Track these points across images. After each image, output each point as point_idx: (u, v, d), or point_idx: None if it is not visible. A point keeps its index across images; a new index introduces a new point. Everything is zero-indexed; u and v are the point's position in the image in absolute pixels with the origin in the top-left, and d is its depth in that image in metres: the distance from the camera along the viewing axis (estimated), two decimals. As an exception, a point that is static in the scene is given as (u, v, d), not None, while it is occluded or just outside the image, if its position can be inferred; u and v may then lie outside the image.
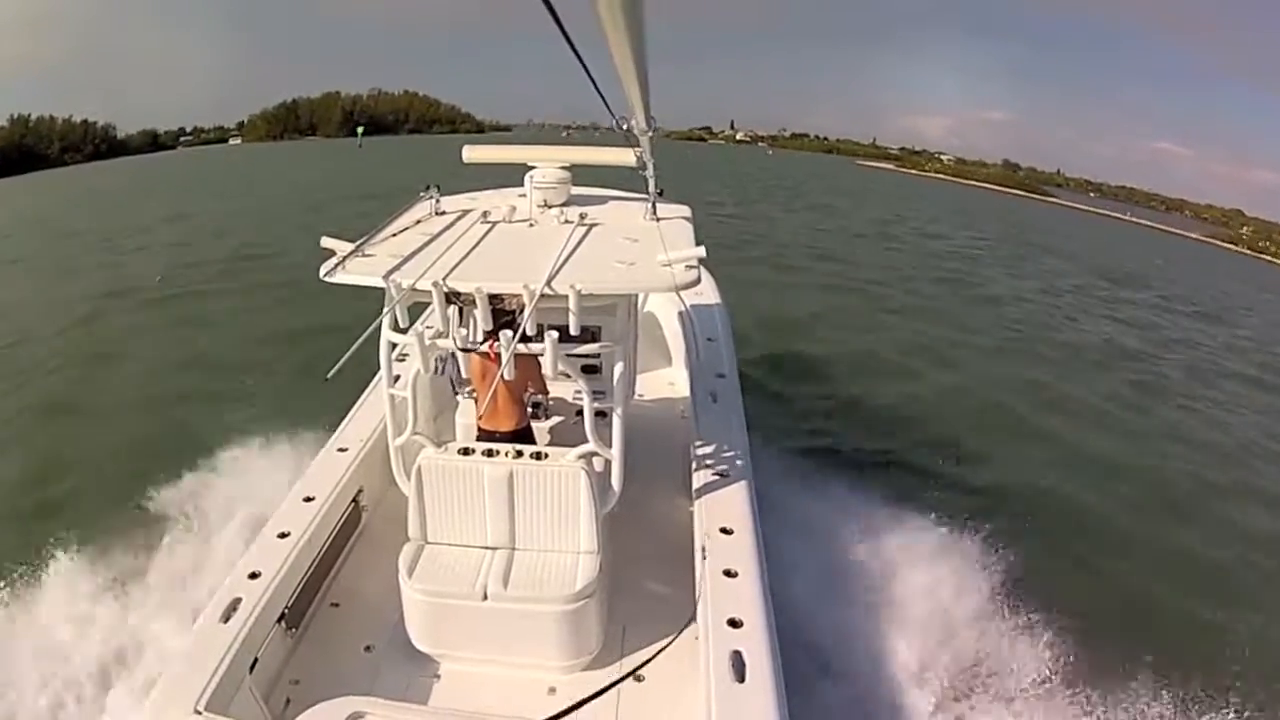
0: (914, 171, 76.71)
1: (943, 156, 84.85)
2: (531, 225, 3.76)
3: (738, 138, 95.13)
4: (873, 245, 22.42)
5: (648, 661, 3.13)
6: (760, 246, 18.99)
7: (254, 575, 3.15)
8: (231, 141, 68.48)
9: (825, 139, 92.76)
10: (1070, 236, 34.81)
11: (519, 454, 3.24)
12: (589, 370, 3.59)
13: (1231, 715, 4.19)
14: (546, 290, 2.92)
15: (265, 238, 17.21)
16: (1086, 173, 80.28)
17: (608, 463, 3.38)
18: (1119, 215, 60.70)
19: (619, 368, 3.26)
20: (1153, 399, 10.87)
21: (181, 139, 68.37)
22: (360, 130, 62.58)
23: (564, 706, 2.74)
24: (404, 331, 3.15)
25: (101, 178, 37.99)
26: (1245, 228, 61.81)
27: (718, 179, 37.72)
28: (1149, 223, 58.77)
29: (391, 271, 3.07)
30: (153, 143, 64.22)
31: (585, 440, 3.31)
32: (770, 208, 29.32)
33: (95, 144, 58.07)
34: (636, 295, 4.47)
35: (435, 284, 2.95)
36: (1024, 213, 46.59)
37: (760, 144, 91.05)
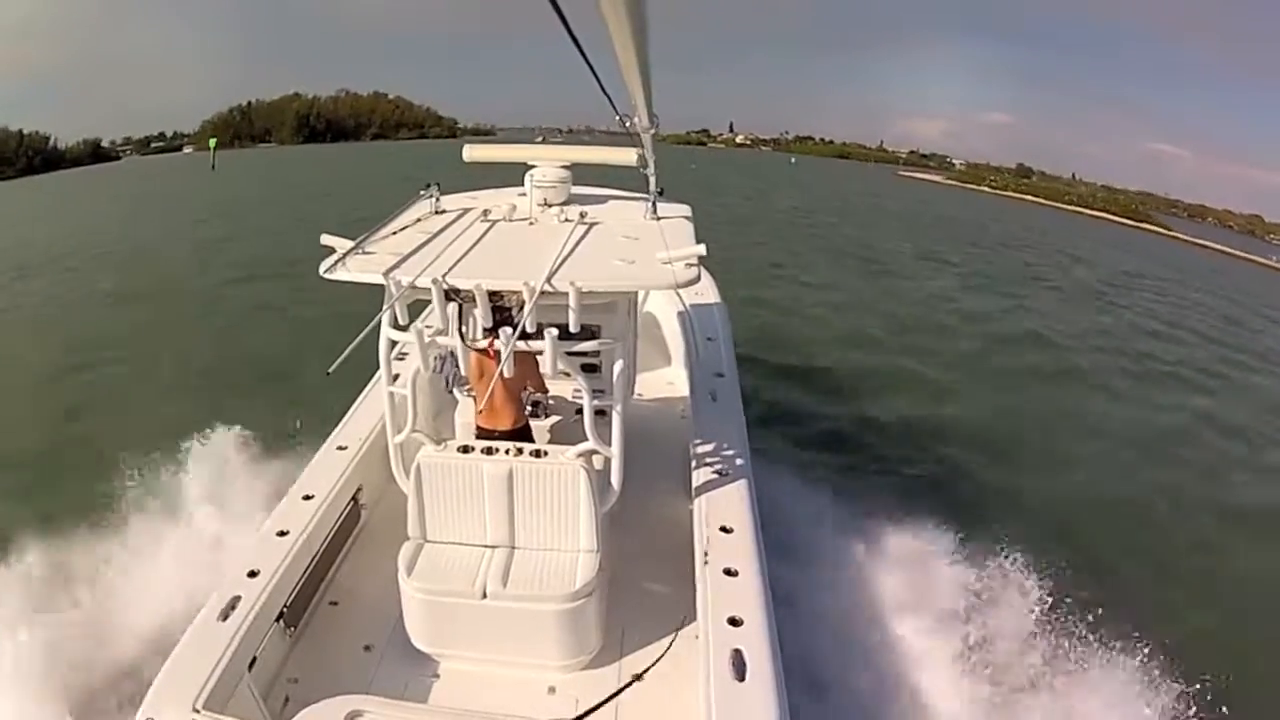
0: (988, 190, 64.40)
1: (955, 162, 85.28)
2: (531, 224, 4.13)
3: (737, 140, 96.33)
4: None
5: (647, 660, 3.42)
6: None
7: (253, 574, 3.44)
8: (185, 150, 67.52)
9: (832, 142, 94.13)
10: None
11: (518, 451, 3.56)
12: (589, 369, 3.94)
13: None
14: (546, 287, 3.24)
15: None
16: (1092, 175, 79.66)
17: (607, 461, 3.71)
18: (1257, 258, 44.40)
19: (618, 365, 3.60)
20: None
21: (153, 144, 68.29)
22: (213, 144, 47.94)
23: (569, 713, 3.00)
24: (404, 329, 3.49)
25: None
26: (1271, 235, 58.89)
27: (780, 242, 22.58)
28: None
29: (391, 269, 3.40)
30: (94, 153, 64.49)
31: (585, 439, 3.62)
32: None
33: (29, 157, 58.28)
34: (636, 293, 4.85)
35: (435, 281, 3.28)
36: (1223, 273, 34.77)
37: (764, 147, 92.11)
